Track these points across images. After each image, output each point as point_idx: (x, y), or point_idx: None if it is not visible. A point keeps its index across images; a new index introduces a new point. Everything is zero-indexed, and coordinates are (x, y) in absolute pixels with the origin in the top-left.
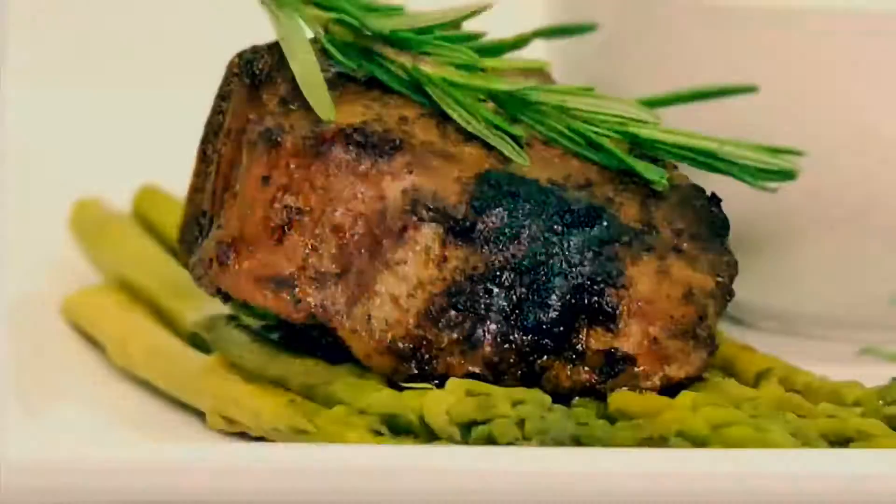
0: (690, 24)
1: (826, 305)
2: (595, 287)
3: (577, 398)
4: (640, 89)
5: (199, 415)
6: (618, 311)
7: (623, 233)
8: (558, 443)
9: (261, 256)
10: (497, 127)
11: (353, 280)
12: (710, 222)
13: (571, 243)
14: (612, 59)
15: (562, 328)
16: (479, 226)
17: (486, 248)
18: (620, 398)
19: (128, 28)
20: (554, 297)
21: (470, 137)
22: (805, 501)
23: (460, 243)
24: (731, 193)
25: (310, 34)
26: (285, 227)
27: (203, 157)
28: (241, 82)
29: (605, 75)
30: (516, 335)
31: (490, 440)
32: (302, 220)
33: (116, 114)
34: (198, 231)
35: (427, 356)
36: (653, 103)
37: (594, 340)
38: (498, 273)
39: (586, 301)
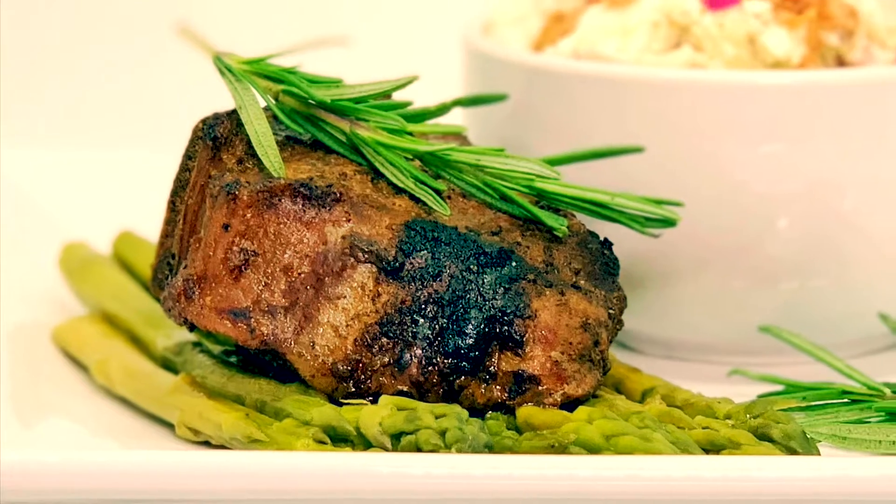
0: (586, 94)
1: (701, 333)
2: (505, 318)
3: (490, 412)
4: (543, 150)
5: (169, 426)
6: (524, 339)
7: (529, 272)
8: (474, 450)
9: (221, 292)
10: (422, 182)
11: (300, 312)
12: (603, 263)
13: (485, 281)
14: (520, 124)
15: (477, 353)
16: (407, 266)
17: (413, 284)
18: (527, 412)
19: (111, 100)
20: (470, 326)
21: (399, 191)
22: (683, 500)
23: (391, 281)
24: (621, 238)
25: (263, 103)
26: (242, 267)
27: (172, 207)
28: (204, 144)
29: (514, 138)
30: (438, 359)
31: (416, 448)
32: (256, 261)
33: (100, 170)
34: (168, 270)
35: (362, 377)
36: (554, 161)
37: (504, 363)
38: (423, 306)
39: (498, 330)
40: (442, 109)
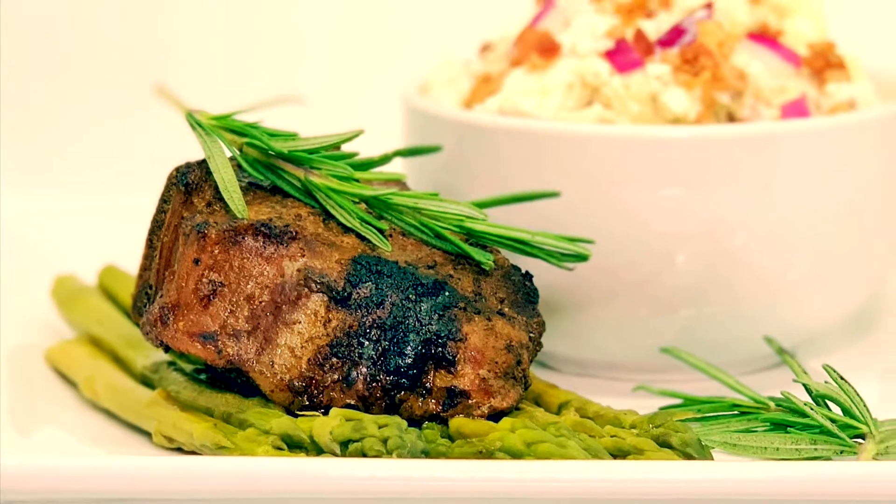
0: (510, 147)
1: (610, 354)
2: (439, 340)
3: (426, 423)
4: (472, 194)
5: (147, 435)
6: (456, 358)
7: (460, 300)
8: (412, 456)
9: (192, 318)
10: (367, 222)
11: (261, 335)
12: (525, 292)
13: (422, 308)
14: (452, 172)
15: (415, 371)
16: (354, 295)
17: (359, 311)
18: (458, 423)
19: (97, 151)
20: (409, 348)
21: (347, 230)
22: (594, 499)
23: (340, 308)
24: (541, 271)
25: (229, 153)
26: (210, 296)
27: (150, 244)
28: (177, 189)
29: (447, 184)
30: (381, 376)
31: (362, 454)
32: (223, 291)
33: (87, 213)
34: (146, 299)
35: (315, 391)
36: (482, 204)
37: (439, 380)
38: (368, 330)
39: (433, 351)
40: (384, 159)
